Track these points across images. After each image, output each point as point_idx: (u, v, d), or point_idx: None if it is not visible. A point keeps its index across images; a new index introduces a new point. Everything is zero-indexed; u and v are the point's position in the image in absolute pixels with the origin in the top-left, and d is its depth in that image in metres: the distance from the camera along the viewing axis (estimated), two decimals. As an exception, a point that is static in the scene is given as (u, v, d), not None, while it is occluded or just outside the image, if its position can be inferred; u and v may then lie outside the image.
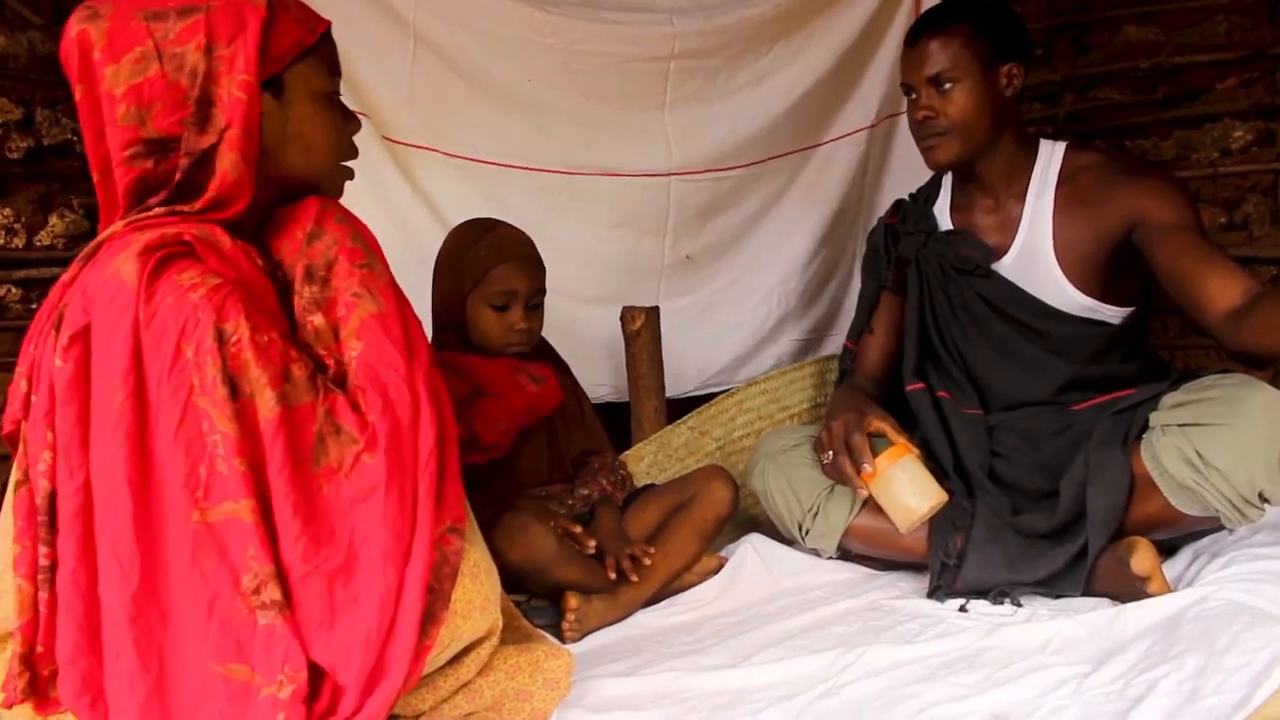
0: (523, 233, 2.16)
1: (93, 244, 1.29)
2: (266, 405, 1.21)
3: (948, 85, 2.04)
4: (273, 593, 1.18)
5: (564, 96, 2.68)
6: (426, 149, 2.59)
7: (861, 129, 2.99)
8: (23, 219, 2.27)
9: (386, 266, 1.36)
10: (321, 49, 1.40)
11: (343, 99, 1.47)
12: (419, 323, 1.36)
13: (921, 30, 2.09)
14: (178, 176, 1.28)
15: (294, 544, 1.20)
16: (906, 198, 2.35)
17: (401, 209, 2.56)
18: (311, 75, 1.38)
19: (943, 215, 2.25)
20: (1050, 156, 2.13)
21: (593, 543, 1.99)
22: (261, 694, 1.16)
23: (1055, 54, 2.90)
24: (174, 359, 1.19)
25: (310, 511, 1.22)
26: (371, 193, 2.49)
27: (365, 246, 1.34)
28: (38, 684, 1.25)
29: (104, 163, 1.29)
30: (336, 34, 1.43)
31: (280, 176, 1.37)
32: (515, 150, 2.66)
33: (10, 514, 1.26)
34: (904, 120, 2.98)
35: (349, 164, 1.49)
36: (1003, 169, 2.13)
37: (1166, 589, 1.77)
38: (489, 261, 2.09)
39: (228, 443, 1.18)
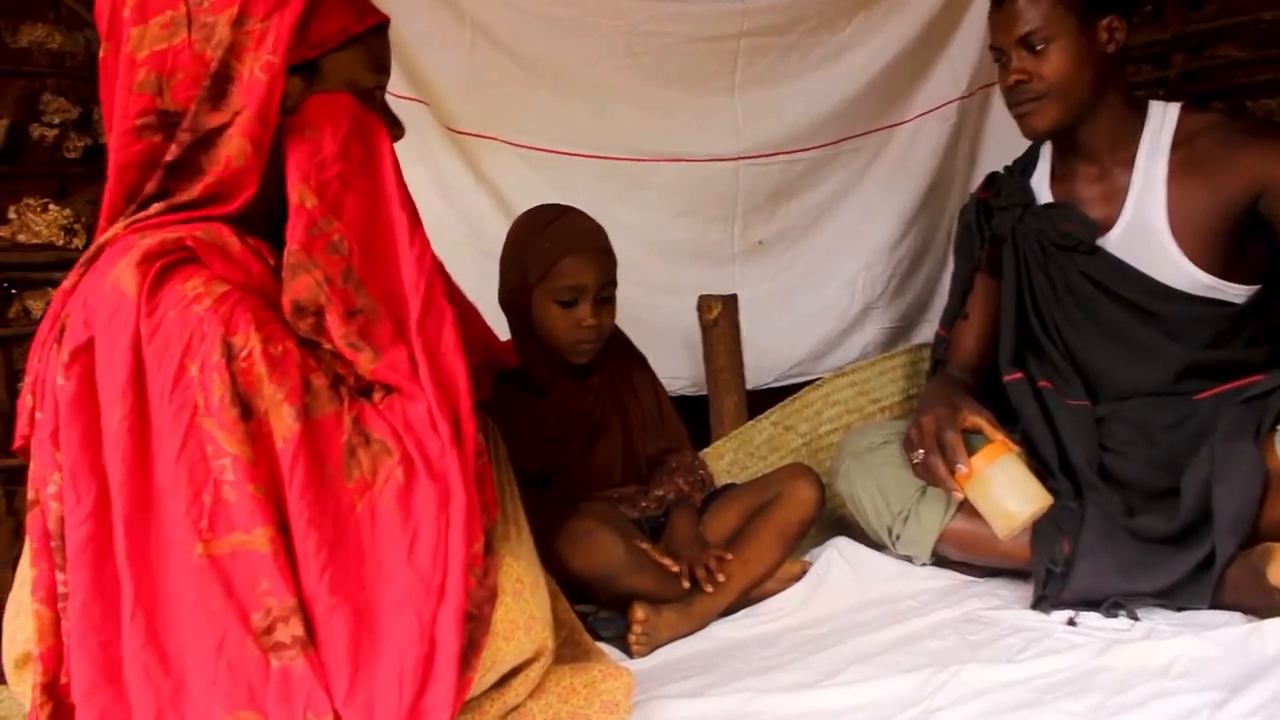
0: (592, 220, 2.04)
1: (93, 247, 1.21)
2: (284, 423, 1.12)
3: (1040, 45, 1.88)
4: (294, 629, 1.08)
5: (627, 80, 2.62)
6: (489, 138, 2.55)
7: (951, 101, 2.86)
8: (83, 219, 2.27)
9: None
10: (370, 41, 1.29)
11: (401, 90, 1.37)
12: (453, 323, 1.24)
13: None
14: (174, 153, 1.18)
15: (319, 573, 1.10)
16: (1001, 170, 2.19)
17: (465, 200, 2.53)
18: (353, 66, 1.27)
19: (1041, 188, 2.09)
20: (1162, 119, 1.96)
21: (668, 562, 1.88)
22: None
23: (1164, 10, 2.72)
24: (177, 377, 1.10)
25: (339, 535, 1.13)
26: (434, 184, 2.48)
27: None
28: (62, 713, 1.17)
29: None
30: (393, 24, 1.33)
31: None
32: (578, 137, 2.61)
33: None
34: (1000, 90, 2.91)
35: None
36: (1108, 134, 1.96)
37: (1311, 602, 1.61)
38: (555, 253, 1.97)
39: (238, 466, 1.09)
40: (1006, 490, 1.76)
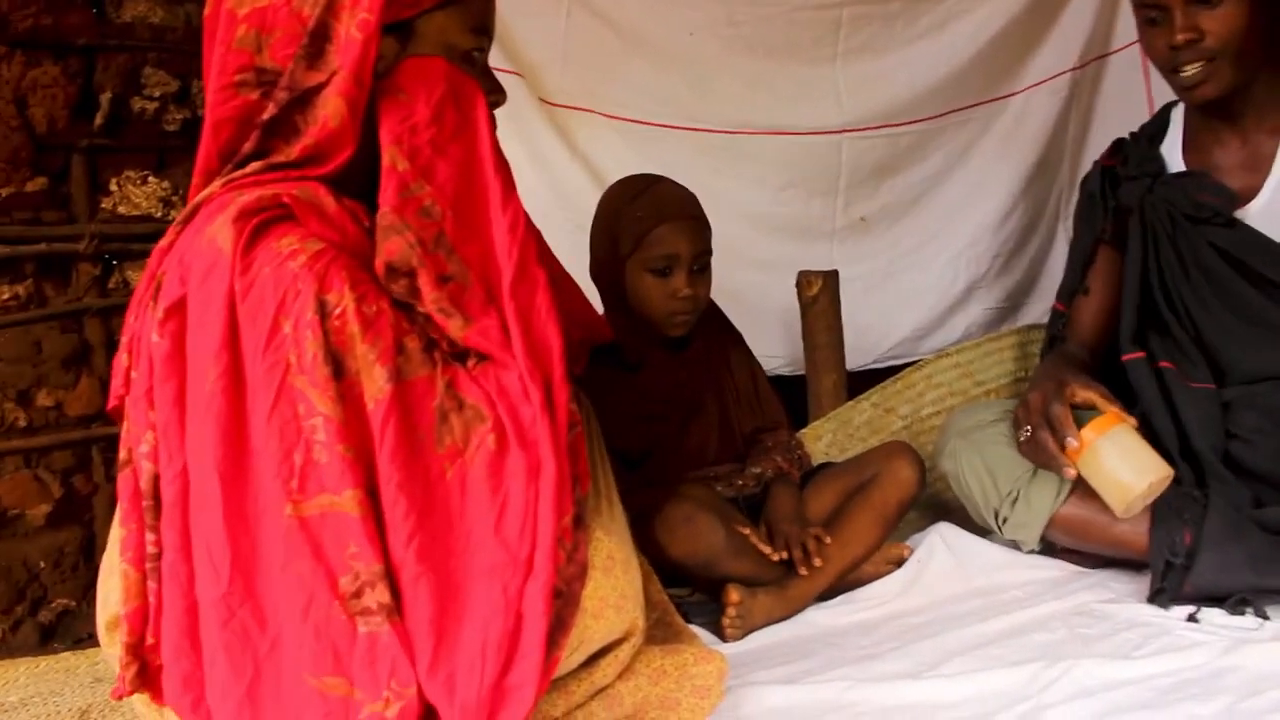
0: (684, 189, 2.00)
1: (190, 206, 1.20)
2: (376, 383, 1.09)
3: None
4: (380, 595, 1.06)
5: (727, 51, 2.59)
6: (584, 110, 2.54)
7: (1063, 73, 2.78)
8: (180, 191, 2.29)
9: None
10: (470, 2, 1.26)
11: (495, 62, 1.34)
12: (547, 290, 1.21)
13: None
14: (271, 111, 1.16)
15: (407, 540, 1.08)
16: (1128, 136, 2.07)
17: (558, 172, 2.52)
18: (449, 27, 1.25)
19: (1173, 155, 1.97)
20: None
21: (768, 549, 1.83)
22: (364, 712, 1.04)
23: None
24: (270, 334, 1.08)
25: (428, 501, 1.11)
26: (527, 156, 2.47)
27: None
28: (149, 674, 1.17)
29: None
30: None
31: None
32: (676, 109, 2.58)
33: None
34: (1114, 61, 2.82)
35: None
36: (1259, 100, 1.83)
37: None
38: (648, 222, 1.93)
39: (329, 427, 1.07)
40: (1120, 462, 1.67)
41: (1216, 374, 1.88)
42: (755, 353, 2.22)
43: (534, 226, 1.24)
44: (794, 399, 2.52)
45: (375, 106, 1.18)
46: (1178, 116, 1.99)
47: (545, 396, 1.14)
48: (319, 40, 1.16)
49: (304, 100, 1.17)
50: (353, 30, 1.15)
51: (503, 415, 1.14)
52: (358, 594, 1.05)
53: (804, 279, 2.51)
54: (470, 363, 1.17)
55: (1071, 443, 1.70)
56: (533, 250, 1.21)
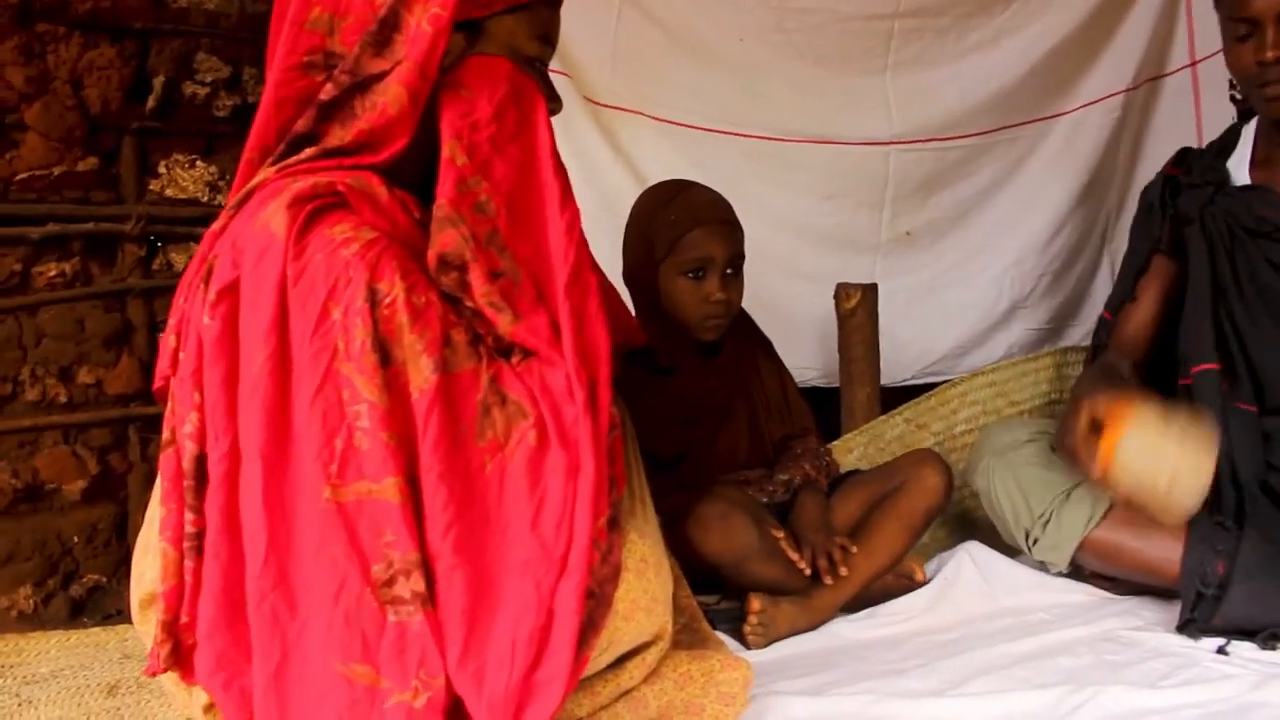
0: (717, 193, 2.01)
1: (243, 191, 1.22)
2: (422, 374, 1.11)
3: None
4: (415, 584, 1.07)
5: (777, 57, 2.57)
6: (630, 111, 2.53)
7: (1116, 93, 2.76)
8: (227, 177, 2.30)
9: None
10: (540, 11, 1.29)
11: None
12: (597, 293, 1.22)
13: None
14: (330, 93, 1.18)
15: (445, 530, 1.09)
16: (1194, 147, 2.06)
17: (602, 173, 2.51)
18: (518, 31, 1.27)
19: (1239, 170, 1.96)
20: None
21: (796, 556, 1.83)
22: (390, 701, 1.04)
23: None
24: (320, 320, 1.10)
25: (467, 494, 1.11)
26: (571, 155, 2.36)
27: None
28: (181, 653, 1.18)
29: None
30: None
31: None
32: (723, 114, 2.57)
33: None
34: (1168, 84, 2.78)
35: None
36: None
37: None
38: (682, 226, 1.94)
39: (374, 414, 1.08)
40: (1141, 464, 1.60)
41: (1258, 395, 1.86)
42: (790, 363, 2.22)
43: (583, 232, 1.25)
44: (828, 411, 2.52)
45: (436, 100, 1.20)
46: (1248, 134, 1.97)
47: (589, 397, 1.15)
48: (388, 29, 1.18)
49: (364, 86, 1.18)
50: (424, 23, 1.17)
51: (545, 413, 1.15)
52: (390, 582, 1.06)
53: (842, 291, 2.50)
54: (515, 359, 1.18)
55: (1094, 470, 1.66)
56: (587, 253, 1.22)
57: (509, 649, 1.07)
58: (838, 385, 2.56)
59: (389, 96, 1.17)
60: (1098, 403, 1.71)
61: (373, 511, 1.07)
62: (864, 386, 2.51)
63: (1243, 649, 1.62)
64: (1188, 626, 1.70)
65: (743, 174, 2.50)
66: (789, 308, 2.57)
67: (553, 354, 1.16)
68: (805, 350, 2.61)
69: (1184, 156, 2.05)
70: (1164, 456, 1.59)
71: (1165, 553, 1.76)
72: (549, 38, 1.32)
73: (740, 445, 2.05)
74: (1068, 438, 1.74)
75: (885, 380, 2.57)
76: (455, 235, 1.15)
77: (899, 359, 2.68)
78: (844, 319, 2.51)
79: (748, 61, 2.55)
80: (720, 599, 1.83)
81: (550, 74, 2.29)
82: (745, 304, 2.06)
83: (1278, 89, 1.78)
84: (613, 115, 2.51)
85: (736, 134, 2.57)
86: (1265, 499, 1.77)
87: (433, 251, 1.15)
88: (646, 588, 1.21)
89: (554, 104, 1.32)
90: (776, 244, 2.44)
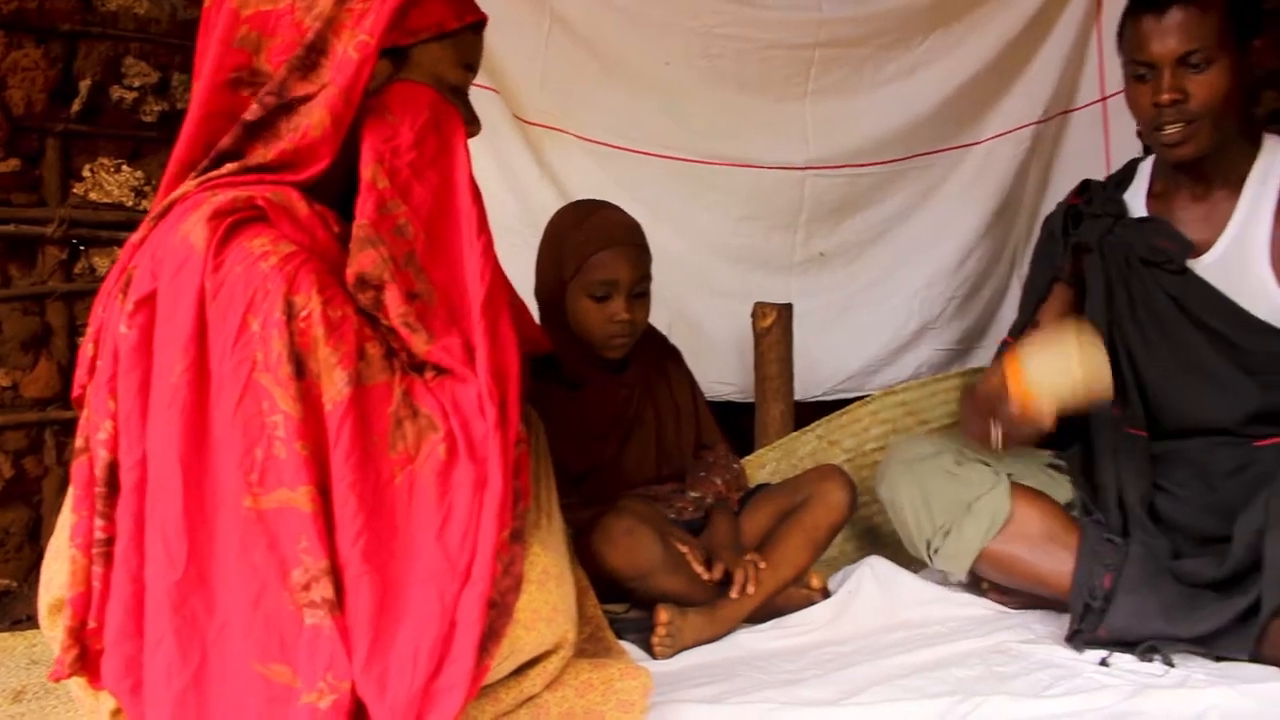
0: (629, 216, 2.03)
1: (164, 203, 1.23)
2: (335, 386, 1.13)
3: (1202, 65, 1.78)
4: (325, 590, 1.09)
5: (701, 82, 2.61)
6: (557, 130, 2.56)
7: (1026, 125, 2.82)
8: (153, 182, 2.30)
9: None
10: (463, 39, 1.32)
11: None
12: (509, 315, 1.26)
13: None
14: (255, 114, 1.20)
15: (354, 539, 1.12)
16: (1096, 179, 2.11)
17: (527, 189, 2.53)
18: (442, 59, 1.30)
19: (1136, 202, 2.02)
20: (1276, 153, 1.89)
21: (702, 569, 1.86)
22: (300, 700, 1.07)
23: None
24: (239, 332, 1.12)
25: (377, 504, 1.14)
26: (498, 171, 2.48)
27: None
28: (87, 658, 1.19)
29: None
30: None
31: None
32: (647, 135, 2.60)
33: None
34: (1076, 118, 2.86)
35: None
36: (1227, 160, 1.89)
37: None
38: (590, 247, 1.96)
39: (289, 424, 1.11)
40: (1051, 373, 1.66)
41: (1150, 421, 1.94)
42: (707, 379, 2.27)
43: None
44: (741, 426, 2.55)
45: (360, 122, 1.22)
46: (1145, 169, 2.04)
47: (500, 415, 1.18)
48: (315, 53, 1.20)
49: (289, 107, 1.21)
50: (350, 50, 1.20)
51: (455, 428, 1.18)
52: (306, 587, 1.09)
53: (759, 310, 2.54)
54: (428, 374, 1.21)
55: (1013, 406, 1.68)
56: (501, 276, 1.26)
57: (412, 656, 1.09)
58: (753, 400, 2.60)
59: (313, 120, 1.20)
60: (987, 375, 1.77)
61: (290, 518, 1.10)
62: (778, 403, 2.55)
63: (1123, 661, 1.67)
64: (1075, 637, 1.74)
65: (665, 194, 2.54)
66: (707, 325, 2.61)
67: (466, 371, 1.19)
68: (722, 366, 2.64)
69: (1085, 187, 2.10)
70: (1067, 355, 1.65)
71: (1057, 565, 1.82)
72: (472, 66, 1.35)
73: (649, 458, 2.08)
74: (970, 413, 1.80)
75: (799, 396, 2.60)
76: (374, 256, 1.17)
77: (812, 376, 2.72)
78: (760, 337, 2.54)
79: (673, 85, 2.58)
80: (629, 608, 1.85)
81: (480, 90, 2.35)
82: (665, 320, 2.10)
83: (1173, 131, 1.82)
84: (540, 133, 2.53)
85: (660, 155, 2.60)
86: (1150, 519, 1.84)
87: (351, 270, 1.17)
88: (548, 598, 1.24)
89: (473, 127, 1.35)
90: (696, 262, 2.47)
